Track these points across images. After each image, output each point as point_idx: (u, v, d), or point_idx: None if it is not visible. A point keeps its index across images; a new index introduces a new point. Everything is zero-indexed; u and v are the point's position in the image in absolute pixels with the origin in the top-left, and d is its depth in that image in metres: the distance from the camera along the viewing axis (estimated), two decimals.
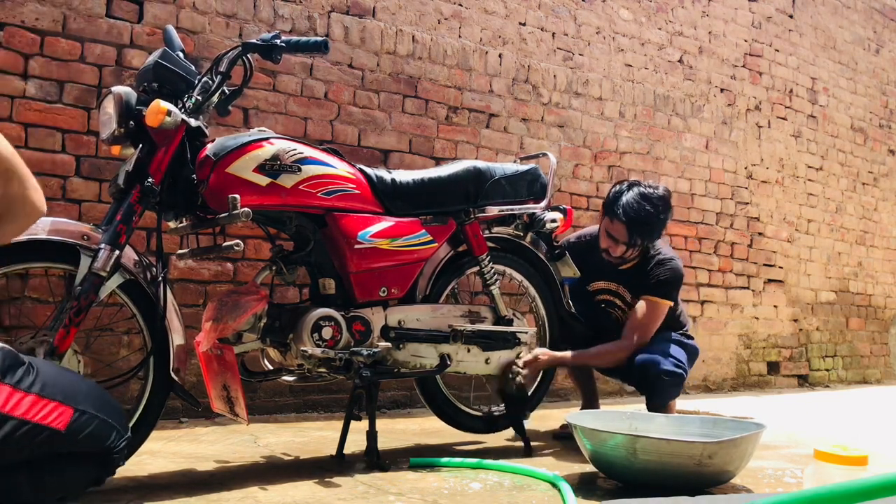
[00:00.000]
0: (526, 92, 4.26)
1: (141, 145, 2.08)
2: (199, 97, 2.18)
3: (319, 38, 2.29)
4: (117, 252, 1.97)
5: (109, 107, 2.07)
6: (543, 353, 2.80)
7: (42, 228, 1.91)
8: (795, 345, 5.70)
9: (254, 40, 2.26)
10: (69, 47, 2.98)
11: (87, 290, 1.93)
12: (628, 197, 2.83)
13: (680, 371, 2.83)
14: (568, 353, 2.85)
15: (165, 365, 2.07)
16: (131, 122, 2.07)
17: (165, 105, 2.02)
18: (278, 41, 2.24)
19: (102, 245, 1.96)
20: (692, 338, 3.11)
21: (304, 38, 2.29)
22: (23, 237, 1.84)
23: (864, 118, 6.43)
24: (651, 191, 2.85)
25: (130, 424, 2.02)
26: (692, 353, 3.02)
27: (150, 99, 2.09)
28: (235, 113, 3.23)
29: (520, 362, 2.70)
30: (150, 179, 2.05)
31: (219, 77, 2.22)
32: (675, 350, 2.90)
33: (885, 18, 6.65)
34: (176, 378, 2.08)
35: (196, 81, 2.19)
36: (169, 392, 2.09)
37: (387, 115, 3.75)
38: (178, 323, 2.11)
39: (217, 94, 2.22)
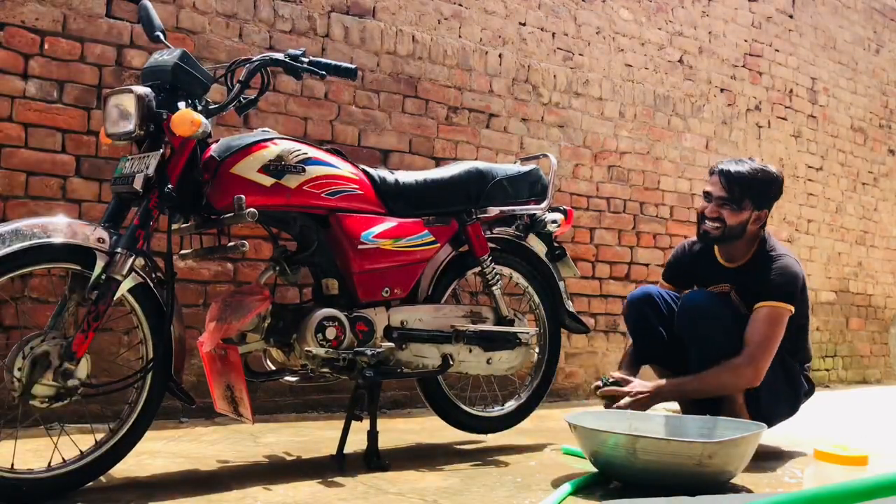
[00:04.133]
0: (526, 92, 4.26)
1: (162, 150, 2.04)
2: (214, 103, 2.19)
3: (350, 66, 2.29)
4: (133, 256, 1.96)
5: (130, 106, 2.02)
6: (636, 391, 2.54)
7: (58, 230, 1.88)
8: None
9: (280, 56, 2.23)
10: (69, 47, 2.98)
11: (104, 294, 1.92)
12: (729, 160, 2.79)
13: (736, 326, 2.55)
14: (663, 383, 2.61)
15: (166, 366, 2.06)
16: (152, 126, 2.04)
17: (199, 117, 2.01)
18: (306, 61, 2.22)
19: (119, 249, 1.94)
20: (808, 384, 2.77)
21: (333, 62, 2.28)
22: (40, 241, 1.82)
23: (864, 118, 6.43)
24: (754, 160, 2.77)
25: (129, 424, 2.02)
26: (788, 376, 2.68)
27: (166, 100, 2.07)
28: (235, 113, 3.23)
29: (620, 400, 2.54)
30: (169, 185, 2.03)
31: (237, 85, 2.22)
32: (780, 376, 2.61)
33: (885, 18, 6.65)
34: (176, 379, 2.08)
35: (211, 85, 2.18)
36: (165, 392, 2.08)
37: (387, 115, 3.75)
38: (180, 324, 2.11)
39: (234, 103, 2.22)
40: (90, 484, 1.97)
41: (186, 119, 2.00)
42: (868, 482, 1.20)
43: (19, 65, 2.89)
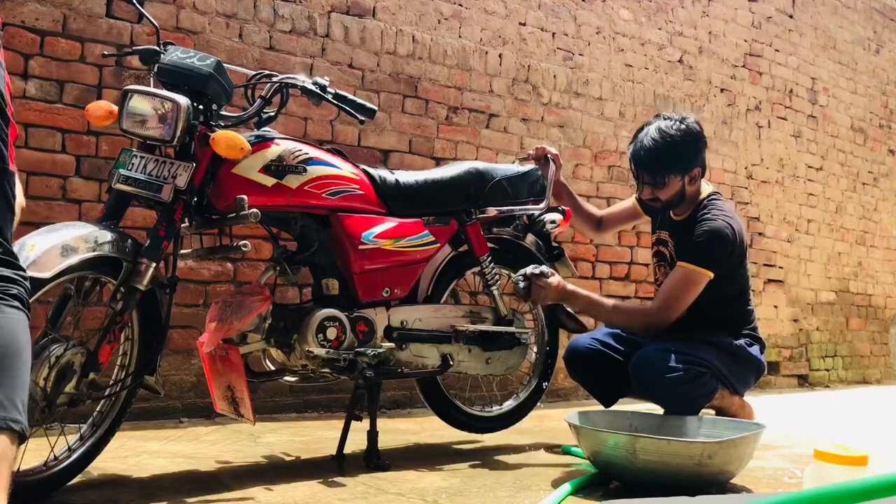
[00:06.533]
0: (526, 92, 4.26)
1: (195, 163, 2.03)
2: (232, 116, 2.21)
3: (372, 107, 2.31)
4: (155, 266, 1.97)
5: (171, 114, 2.00)
6: (557, 281, 2.58)
7: (84, 240, 1.85)
8: (795, 345, 5.70)
9: (308, 83, 2.24)
10: (69, 47, 2.98)
11: (129, 304, 1.94)
12: (640, 136, 2.65)
13: (688, 367, 2.43)
14: (581, 292, 2.65)
15: (146, 368, 2.06)
16: (187, 137, 2.04)
17: (246, 143, 2.03)
18: (332, 92, 2.25)
19: (143, 259, 1.95)
20: (756, 341, 2.70)
21: (357, 99, 2.30)
22: (78, 256, 1.79)
23: (864, 118, 6.43)
24: (665, 123, 2.61)
25: (106, 425, 2.03)
26: (735, 355, 2.60)
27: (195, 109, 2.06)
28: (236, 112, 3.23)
29: (530, 275, 2.58)
30: (195, 198, 2.06)
31: (259, 101, 2.25)
32: (696, 348, 2.50)
33: (885, 18, 6.65)
34: (154, 378, 2.07)
35: (232, 94, 2.20)
36: (139, 387, 2.08)
37: (387, 115, 3.74)
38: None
39: (254, 118, 2.25)
40: (89, 484, 1.97)
41: (237, 145, 2.02)
42: (868, 482, 1.20)
43: (19, 65, 2.89)
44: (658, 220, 2.88)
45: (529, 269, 2.61)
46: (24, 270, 1.48)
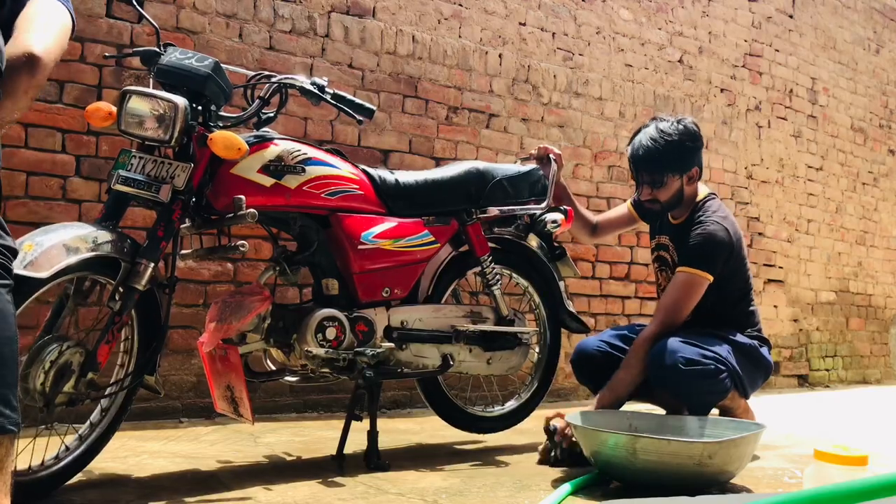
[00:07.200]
0: (526, 92, 4.26)
1: (193, 164, 2.03)
2: (231, 116, 2.21)
3: (371, 106, 2.31)
4: (153, 266, 1.97)
5: (170, 115, 2.00)
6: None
7: (82, 240, 1.85)
8: (795, 345, 5.70)
9: (307, 84, 2.24)
10: (69, 47, 2.96)
11: (127, 304, 1.94)
12: (638, 137, 2.67)
13: (709, 363, 2.42)
14: (599, 397, 2.53)
15: (146, 368, 2.06)
16: (185, 138, 2.04)
17: (244, 143, 2.04)
18: (330, 93, 2.25)
19: (141, 259, 1.95)
20: (764, 343, 2.71)
21: (355, 99, 2.30)
22: (77, 256, 1.79)
23: (864, 118, 6.43)
24: (664, 124, 2.62)
25: (105, 425, 2.02)
26: (749, 355, 2.60)
27: (193, 109, 2.06)
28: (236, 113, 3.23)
29: (557, 438, 2.43)
30: (194, 199, 2.06)
31: (258, 101, 2.26)
32: (716, 345, 2.51)
33: (885, 18, 6.65)
34: (154, 378, 2.07)
35: (231, 95, 2.20)
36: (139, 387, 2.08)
37: (387, 115, 3.74)
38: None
39: (253, 118, 2.26)
40: (89, 483, 1.97)
41: (234, 145, 2.02)
42: (868, 482, 1.20)
43: None
44: (657, 225, 2.88)
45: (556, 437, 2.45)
46: (6, 232, 1.45)
